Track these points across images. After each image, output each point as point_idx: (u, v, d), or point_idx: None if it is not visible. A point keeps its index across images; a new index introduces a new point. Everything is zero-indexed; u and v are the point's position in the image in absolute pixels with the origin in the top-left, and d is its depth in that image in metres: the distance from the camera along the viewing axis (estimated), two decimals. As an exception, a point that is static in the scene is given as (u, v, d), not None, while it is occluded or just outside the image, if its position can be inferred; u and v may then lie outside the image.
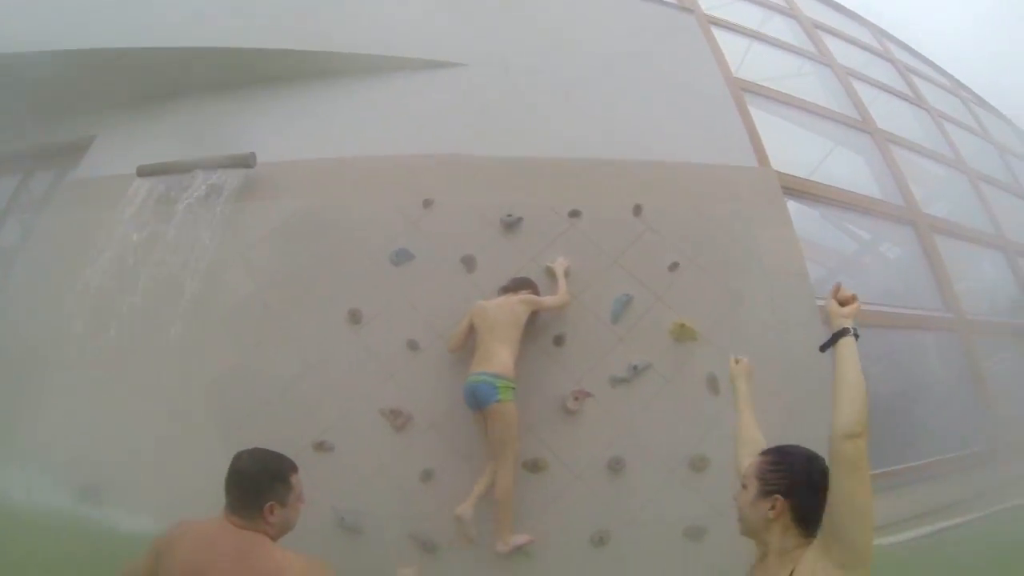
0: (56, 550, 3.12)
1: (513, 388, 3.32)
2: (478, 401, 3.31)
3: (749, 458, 1.87)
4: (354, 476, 3.52)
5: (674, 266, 3.94)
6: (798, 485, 1.60)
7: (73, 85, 4.86)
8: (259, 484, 1.88)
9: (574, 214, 4.04)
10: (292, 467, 1.98)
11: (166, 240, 4.20)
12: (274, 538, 1.87)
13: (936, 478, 4.32)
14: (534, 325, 3.71)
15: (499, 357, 3.36)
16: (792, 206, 4.63)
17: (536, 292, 3.71)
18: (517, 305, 3.56)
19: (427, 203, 4.08)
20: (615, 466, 3.50)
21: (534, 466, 3.49)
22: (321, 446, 3.57)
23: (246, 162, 4.32)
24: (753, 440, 2.08)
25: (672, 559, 3.38)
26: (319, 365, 3.77)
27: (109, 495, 3.56)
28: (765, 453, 1.75)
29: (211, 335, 3.95)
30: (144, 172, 4.49)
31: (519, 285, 3.71)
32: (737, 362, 2.47)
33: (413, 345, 3.74)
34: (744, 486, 1.72)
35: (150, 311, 3.99)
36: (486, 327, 3.49)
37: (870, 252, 5.87)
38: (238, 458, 1.96)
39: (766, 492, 1.64)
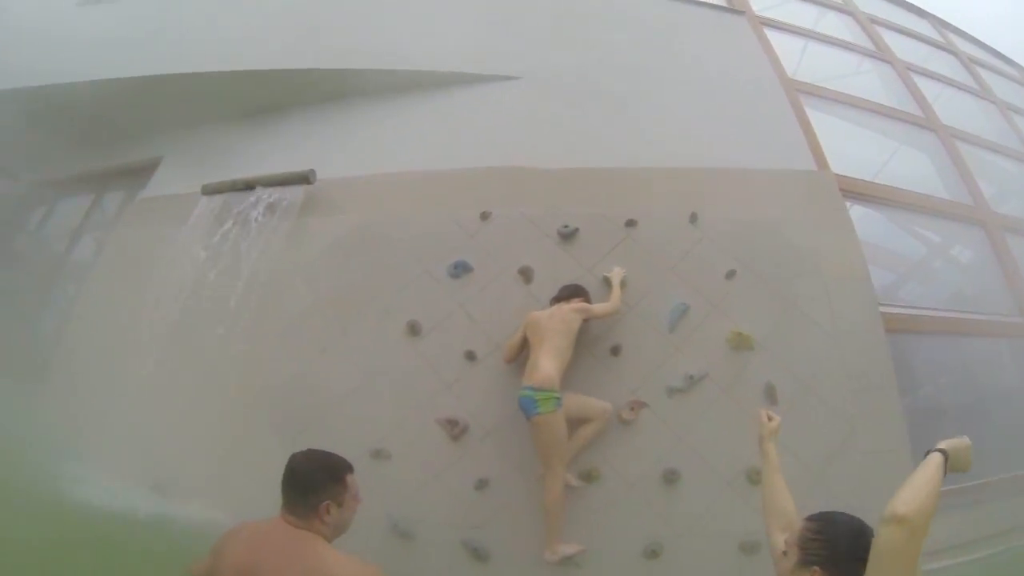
0: (132, 546, 3.25)
1: (556, 398, 3.30)
2: (524, 413, 3.33)
3: (780, 532, 1.78)
4: (410, 483, 3.56)
5: (731, 274, 3.87)
6: (840, 559, 1.50)
7: (140, 109, 5.11)
8: (314, 483, 1.90)
9: (630, 223, 4.01)
10: (348, 467, 1.99)
11: (230, 255, 4.33)
12: (329, 538, 1.88)
13: (1010, 495, 4.08)
14: (587, 335, 3.69)
15: (542, 369, 3.34)
16: (855, 211, 4.50)
17: (588, 300, 3.69)
18: (568, 314, 3.54)
19: (484, 215, 4.11)
20: (670, 477, 3.46)
21: (588, 476, 3.48)
22: (378, 454, 3.62)
23: (306, 179, 4.41)
24: (784, 511, 1.92)
25: (726, 573, 3.32)
26: (378, 375, 3.82)
27: (176, 499, 3.67)
28: (811, 519, 1.64)
29: (273, 346, 4.04)
30: (209, 190, 4.66)
31: (571, 293, 3.69)
32: (770, 419, 2.21)
33: (471, 356, 3.77)
34: (785, 552, 1.63)
35: (215, 323, 4.10)
36: (536, 338, 3.50)
37: (939, 255, 5.60)
38: (293, 458, 1.98)
39: (806, 562, 1.55)
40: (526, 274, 3.92)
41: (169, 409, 3.90)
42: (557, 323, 3.50)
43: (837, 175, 4.50)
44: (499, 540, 3.41)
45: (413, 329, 3.88)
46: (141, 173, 5.47)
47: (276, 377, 3.97)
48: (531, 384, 3.32)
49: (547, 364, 3.35)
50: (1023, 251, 5.36)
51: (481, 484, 3.52)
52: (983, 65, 7.57)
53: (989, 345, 4.87)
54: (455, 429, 3.63)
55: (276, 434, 3.74)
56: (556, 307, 3.63)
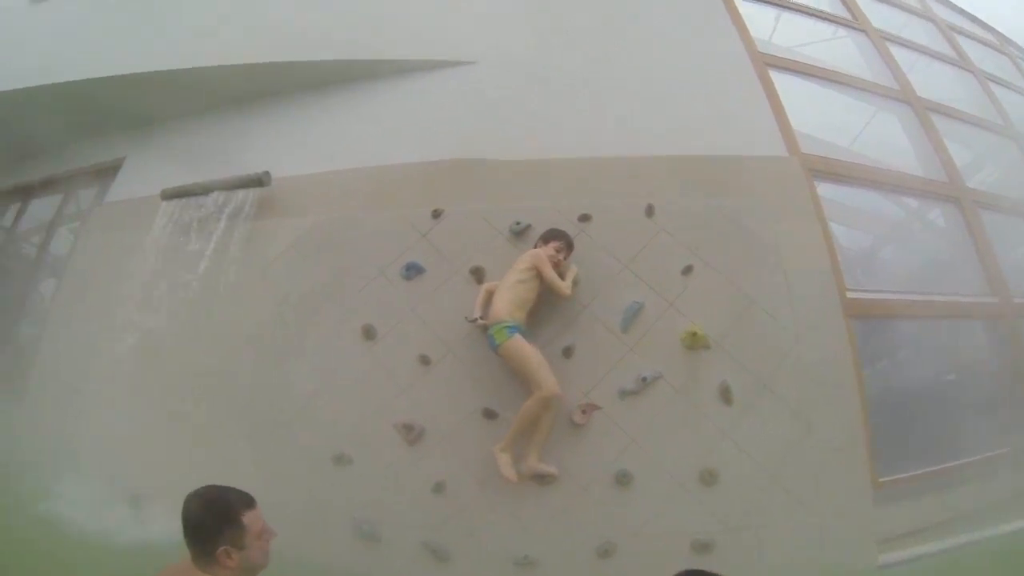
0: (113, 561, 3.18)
1: (508, 326, 3.30)
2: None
3: None
4: (372, 487, 3.49)
5: (688, 269, 3.64)
6: None
7: (101, 109, 4.86)
8: (206, 530, 1.71)
9: (584, 218, 3.78)
10: (244, 504, 1.76)
11: (188, 262, 4.21)
12: None
13: (977, 479, 3.93)
14: (538, 337, 3.51)
15: (494, 304, 3.40)
16: (823, 189, 4.21)
17: (568, 244, 3.56)
18: (525, 256, 3.49)
19: (436, 213, 3.89)
20: (622, 479, 3.32)
21: (541, 478, 3.34)
22: (340, 459, 3.55)
23: (260, 181, 4.25)
24: None
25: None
26: (336, 381, 3.71)
27: (148, 510, 3.58)
28: None
29: (237, 353, 3.94)
30: (168, 195, 4.53)
31: (548, 236, 3.58)
32: None
33: (424, 360, 3.61)
34: None
35: (177, 332, 4.03)
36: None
37: (910, 232, 5.32)
38: (187, 501, 1.77)
39: None
40: (478, 274, 3.73)
41: (139, 421, 3.84)
42: (517, 263, 3.48)
43: (806, 155, 4.21)
44: (458, 541, 3.34)
45: (368, 333, 3.73)
46: (109, 172, 5.31)
47: (240, 384, 3.88)
48: (489, 323, 3.38)
49: (498, 300, 3.40)
50: (996, 226, 5.08)
51: (438, 487, 3.42)
52: (961, 32, 7.09)
53: (960, 327, 4.65)
54: (411, 434, 3.51)
55: (246, 442, 3.69)
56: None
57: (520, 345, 3.28)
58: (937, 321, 4.52)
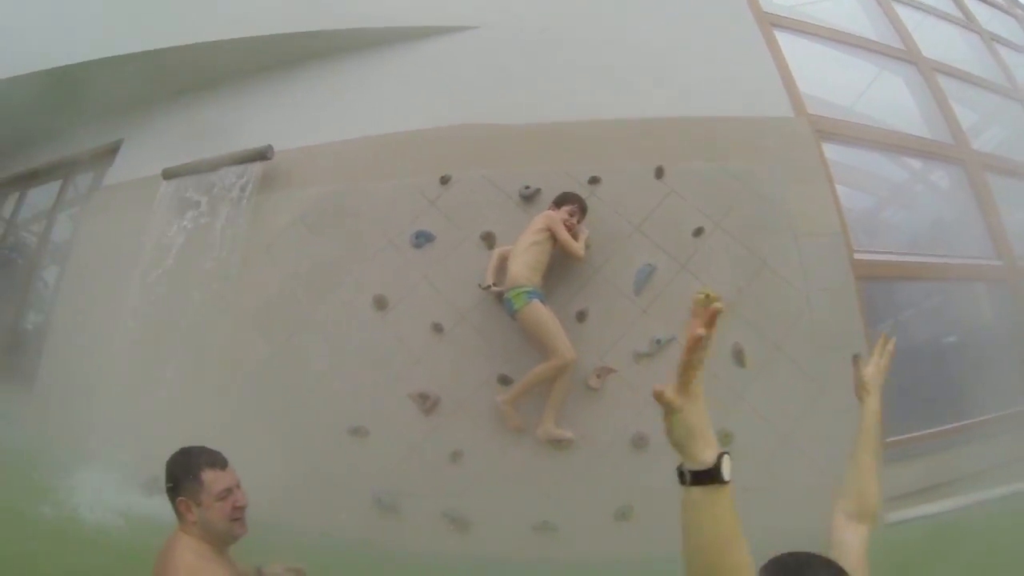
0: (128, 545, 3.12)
1: (527, 291, 3.25)
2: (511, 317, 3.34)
3: (847, 519, 1.33)
4: (389, 459, 3.47)
5: (699, 231, 3.59)
6: None
7: (98, 93, 4.75)
8: (170, 479, 1.76)
9: (593, 181, 3.70)
10: (208, 462, 1.77)
11: (193, 240, 4.14)
12: (202, 538, 1.70)
13: (986, 438, 3.90)
14: (552, 301, 3.42)
15: (510, 270, 3.34)
16: (829, 150, 4.12)
17: (581, 208, 3.49)
18: (538, 218, 3.43)
19: (444, 180, 3.82)
20: (638, 442, 3.30)
21: (558, 443, 3.33)
22: (357, 431, 3.52)
23: (263, 155, 4.15)
24: (860, 493, 1.38)
25: None
26: (349, 353, 3.67)
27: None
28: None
29: (246, 330, 3.89)
30: (169, 175, 4.44)
31: (561, 200, 3.51)
32: (885, 342, 1.53)
33: (437, 328, 3.57)
34: None
35: (189, 311, 3.94)
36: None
37: (916, 194, 5.24)
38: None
39: None
40: (488, 240, 3.67)
41: (153, 403, 3.75)
42: (530, 225, 3.42)
43: (812, 116, 4.12)
44: (477, 508, 3.32)
45: (380, 303, 3.67)
46: (106, 156, 5.19)
47: (253, 361, 3.82)
48: (506, 289, 3.32)
49: (513, 264, 3.34)
50: (1003, 189, 4.99)
51: (455, 456, 3.40)
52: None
53: (965, 288, 4.60)
54: (427, 403, 3.48)
55: (258, 419, 3.61)
56: None
57: (539, 310, 3.24)
58: (942, 283, 4.47)
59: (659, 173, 3.70)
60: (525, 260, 3.31)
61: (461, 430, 3.43)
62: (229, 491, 1.74)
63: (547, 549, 3.24)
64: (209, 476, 1.74)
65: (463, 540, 3.29)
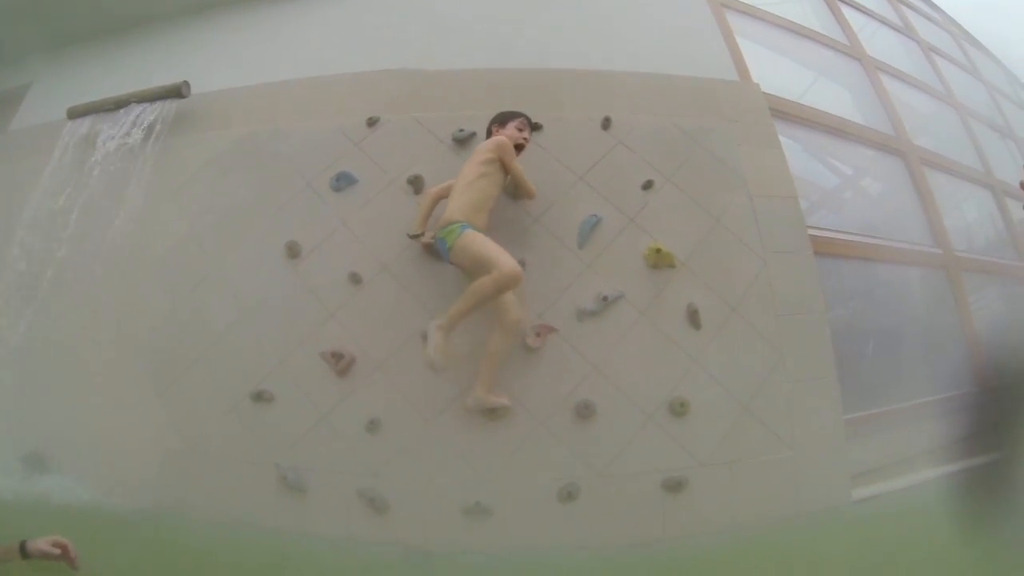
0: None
1: (459, 224, 2.78)
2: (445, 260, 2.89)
3: None
4: (296, 428, 2.95)
5: (648, 184, 3.25)
6: None
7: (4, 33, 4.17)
8: None
9: (535, 127, 3.31)
10: None
11: (98, 184, 3.53)
12: None
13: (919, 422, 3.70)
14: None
15: (448, 211, 2.86)
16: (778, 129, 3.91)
17: (530, 122, 3.11)
18: (486, 144, 2.98)
19: (371, 121, 3.39)
20: (584, 411, 2.88)
21: (492, 412, 2.86)
22: (260, 396, 3.00)
23: (179, 92, 3.63)
24: None
25: (649, 514, 2.81)
26: (256, 307, 3.16)
27: (53, 463, 3.01)
28: None
29: (145, 283, 3.34)
30: (75, 114, 3.85)
31: (505, 117, 3.09)
32: None
33: (355, 278, 3.10)
34: None
35: (82, 261, 3.37)
36: None
37: (858, 182, 5.14)
38: None
39: None
40: (416, 184, 3.24)
41: (34, 367, 3.19)
42: (474, 155, 2.96)
43: (763, 93, 3.89)
44: (397, 487, 2.83)
45: (292, 251, 3.18)
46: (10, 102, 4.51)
47: (149, 318, 3.27)
48: (438, 229, 2.86)
49: (453, 200, 2.87)
50: (938, 184, 4.98)
51: (373, 425, 2.90)
52: (908, 5, 7.05)
53: (901, 272, 4.45)
54: (340, 363, 2.97)
55: (152, 382, 3.13)
56: None
57: (473, 236, 2.77)
58: (886, 265, 4.31)
59: (606, 124, 3.37)
60: (468, 198, 2.85)
61: (379, 395, 2.94)
62: None
63: (479, 535, 2.78)
64: None
65: (380, 525, 2.80)
